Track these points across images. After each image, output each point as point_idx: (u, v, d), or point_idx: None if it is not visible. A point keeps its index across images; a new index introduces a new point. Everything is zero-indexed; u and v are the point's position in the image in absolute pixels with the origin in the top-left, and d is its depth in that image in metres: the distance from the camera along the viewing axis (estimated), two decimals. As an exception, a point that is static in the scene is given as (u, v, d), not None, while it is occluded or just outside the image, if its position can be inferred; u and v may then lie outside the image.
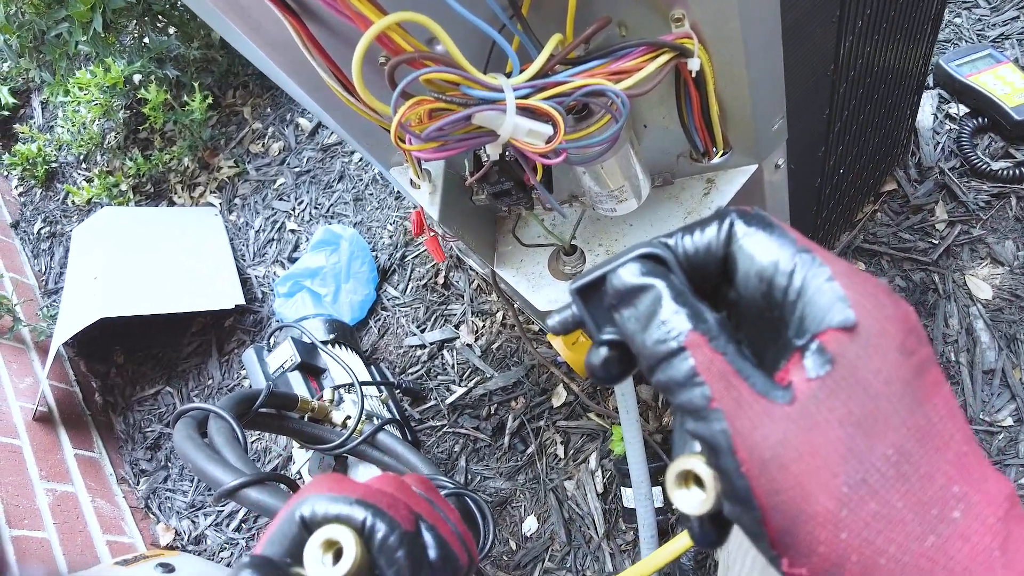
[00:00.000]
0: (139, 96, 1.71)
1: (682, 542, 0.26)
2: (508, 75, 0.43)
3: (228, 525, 1.35)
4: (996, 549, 0.20)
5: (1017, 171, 0.98)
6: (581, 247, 0.70)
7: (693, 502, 0.24)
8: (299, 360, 1.16)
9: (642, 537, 0.88)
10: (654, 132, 0.61)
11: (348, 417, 1.05)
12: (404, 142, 0.40)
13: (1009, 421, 0.88)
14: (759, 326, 0.25)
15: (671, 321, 0.24)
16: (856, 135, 0.79)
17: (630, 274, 0.25)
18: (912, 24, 0.76)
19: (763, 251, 0.24)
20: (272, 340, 1.26)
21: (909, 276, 1.00)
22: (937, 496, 0.21)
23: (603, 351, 0.27)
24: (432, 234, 0.70)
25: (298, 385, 1.13)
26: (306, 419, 1.02)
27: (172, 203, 1.92)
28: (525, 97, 0.42)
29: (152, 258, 1.61)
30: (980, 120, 1.03)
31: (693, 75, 0.48)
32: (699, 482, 0.24)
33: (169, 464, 1.51)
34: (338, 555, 0.28)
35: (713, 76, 0.51)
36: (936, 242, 1.00)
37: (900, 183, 1.05)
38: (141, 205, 1.94)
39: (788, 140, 0.65)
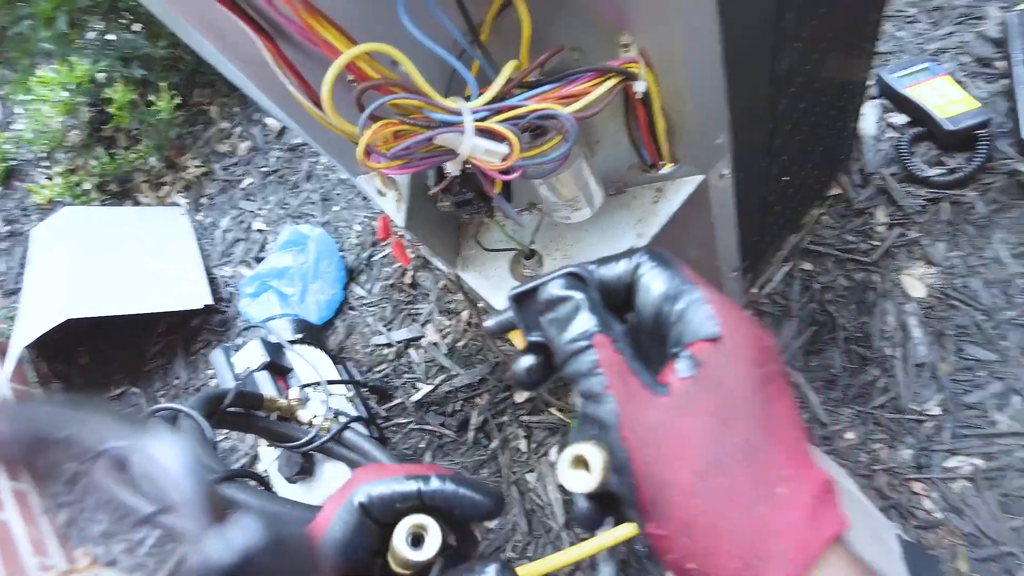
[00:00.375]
0: (104, 96, 1.70)
1: (623, 530, 0.31)
2: (468, 98, 0.46)
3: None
4: (807, 518, 0.27)
5: (950, 177, 1.05)
6: (540, 251, 0.74)
7: (580, 482, 0.29)
8: (267, 360, 1.18)
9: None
10: (607, 146, 0.65)
11: (315, 415, 1.08)
12: (370, 159, 0.43)
13: (936, 411, 0.95)
14: (652, 340, 0.31)
15: (584, 325, 0.30)
16: (800, 145, 0.84)
17: (557, 287, 0.32)
18: (850, 42, 0.81)
19: (659, 283, 0.31)
20: (239, 340, 1.28)
21: (851, 276, 1.06)
22: (771, 477, 0.27)
23: (527, 358, 0.34)
24: (398, 238, 0.73)
25: (265, 384, 1.15)
26: (273, 418, 1.05)
27: (138, 203, 1.91)
28: (483, 119, 0.45)
29: (117, 258, 1.61)
30: (918, 129, 1.10)
31: (639, 96, 0.52)
32: (587, 467, 0.29)
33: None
34: (417, 540, 0.32)
35: (659, 96, 0.56)
36: (876, 244, 1.06)
37: (844, 188, 1.11)
38: (106, 205, 1.92)
39: (733, 151, 0.70)
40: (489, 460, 1.18)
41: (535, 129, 0.51)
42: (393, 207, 0.67)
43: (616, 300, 0.32)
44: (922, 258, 1.04)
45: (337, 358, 1.40)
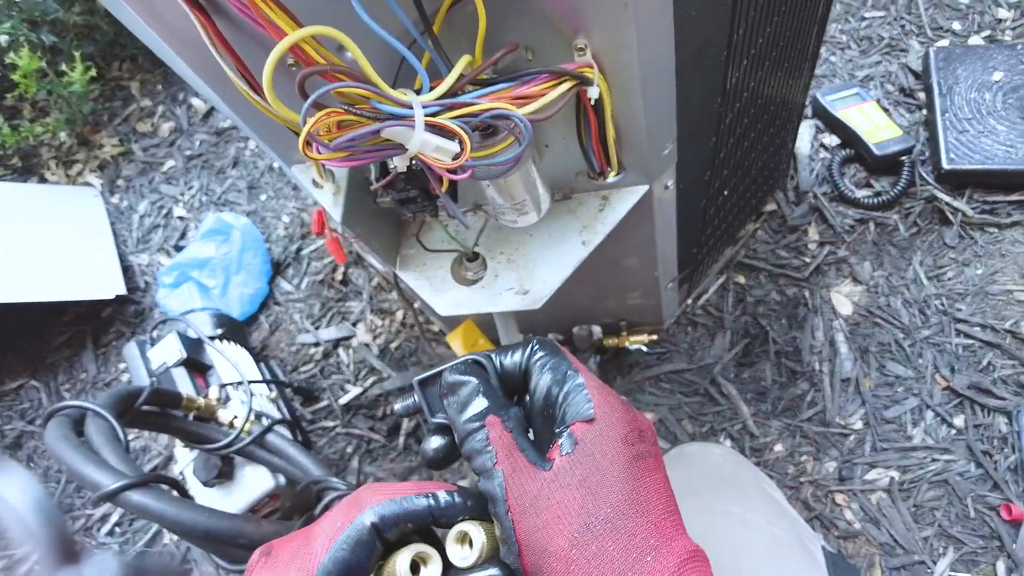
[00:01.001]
0: (8, 61, 1.57)
1: None
2: (418, 91, 0.43)
3: (100, 530, 1.27)
4: None
5: (876, 200, 1.09)
6: (483, 254, 0.72)
7: (462, 556, 0.32)
8: (184, 355, 1.11)
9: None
10: (555, 151, 0.64)
11: (236, 416, 1.02)
12: (312, 150, 0.40)
13: (859, 424, 0.98)
14: (542, 421, 0.35)
15: (479, 406, 0.33)
16: (740, 160, 0.85)
17: (458, 372, 0.35)
18: (792, 61, 0.83)
19: (548, 371, 0.35)
20: (155, 334, 1.20)
21: (783, 290, 1.08)
22: (638, 545, 0.29)
23: (435, 439, 0.36)
24: (333, 234, 0.69)
25: (183, 382, 1.08)
26: (191, 418, 0.98)
27: (44, 180, 1.78)
28: (434, 115, 0.42)
29: (18, 240, 1.48)
30: (848, 151, 1.14)
31: (592, 102, 0.51)
32: (471, 544, 0.32)
33: (32, 465, 1.39)
34: (415, 568, 0.32)
35: (611, 103, 0.54)
36: (808, 260, 1.09)
37: (780, 204, 1.14)
38: (5, 180, 1.77)
39: (678, 163, 0.70)
40: (419, 467, 1.14)
41: (486, 129, 0.49)
42: (330, 200, 0.63)
43: (514, 384, 0.37)
44: (850, 276, 1.07)
45: (260, 356, 1.33)
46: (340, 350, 1.29)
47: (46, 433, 0.70)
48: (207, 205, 1.59)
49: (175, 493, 0.71)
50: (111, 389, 0.91)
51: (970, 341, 0.99)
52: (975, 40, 1.20)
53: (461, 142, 0.43)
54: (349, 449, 1.19)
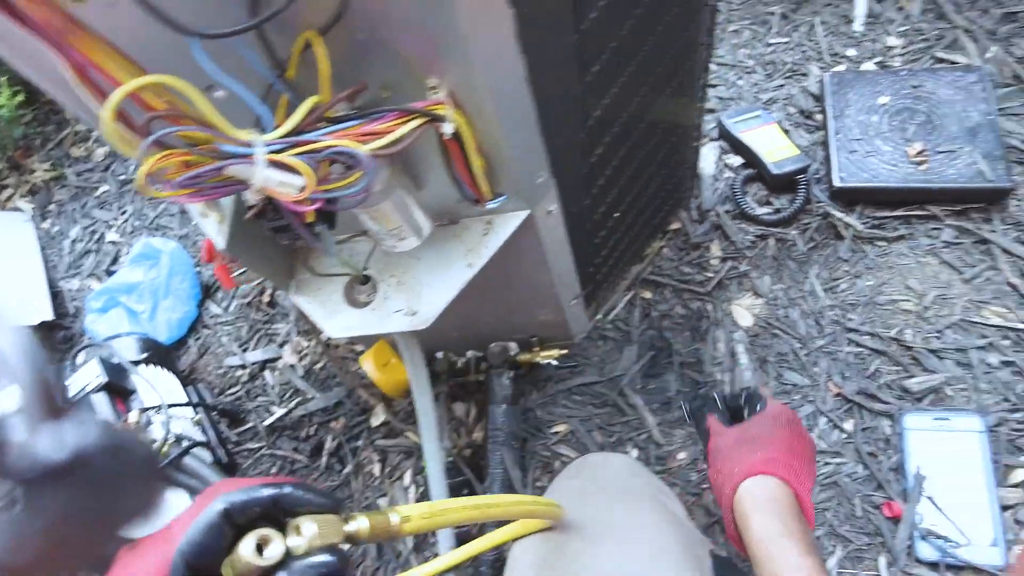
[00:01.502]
0: (-67, 88, 1.56)
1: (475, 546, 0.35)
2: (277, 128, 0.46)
3: None
4: (751, 464, 0.68)
5: (775, 216, 1.15)
6: (374, 277, 0.75)
7: (295, 544, 0.35)
8: (105, 381, 1.12)
9: (440, 549, 0.93)
10: (437, 180, 0.67)
11: (155, 440, 1.03)
12: (153, 187, 0.43)
13: (758, 432, 1.03)
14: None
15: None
16: (628, 184, 0.90)
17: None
18: (676, 88, 0.88)
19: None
20: (79, 359, 1.20)
21: (687, 304, 1.13)
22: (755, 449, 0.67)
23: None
24: (222, 262, 0.72)
25: (103, 407, 1.09)
26: (107, 443, 0.99)
27: (-28, 206, 1.76)
28: (279, 151, 0.46)
29: (-58, 267, 1.47)
30: (751, 171, 1.20)
31: (447, 137, 0.54)
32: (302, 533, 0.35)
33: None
34: (261, 549, 0.34)
35: (473, 137, 0.58)
36: (711, 275, 1.14)
37: (684, 223, 1.19)
38: (-67, 207, 1.75)
39: (559, 190, 0.74)
40: (342, 485, 1.16)
41: (346, 163, 0.52)
42: (215, 229, 0.66)
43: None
44: (750, 290, 1.13)
45: (188, 379, 1.34)
46: (266, 372, 1.30)
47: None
48: (140, 230, 1.60)
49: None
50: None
51: (860, 349, 1.05)
52: (867, 66, 1.28)
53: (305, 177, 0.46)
54: (273, 470, 1.20)
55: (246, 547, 0.34)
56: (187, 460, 1.03)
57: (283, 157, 0.45)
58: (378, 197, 0.58)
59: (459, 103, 0.55)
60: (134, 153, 0.45)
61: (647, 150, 0.90)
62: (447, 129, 0.54)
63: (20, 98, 1.67)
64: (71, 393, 1.11)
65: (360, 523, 0.38)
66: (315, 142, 0.46)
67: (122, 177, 1.70)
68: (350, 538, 0.38)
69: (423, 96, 0.54)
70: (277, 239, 0.62)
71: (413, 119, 0.51)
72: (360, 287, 0.75)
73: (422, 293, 0.72)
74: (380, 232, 0.64)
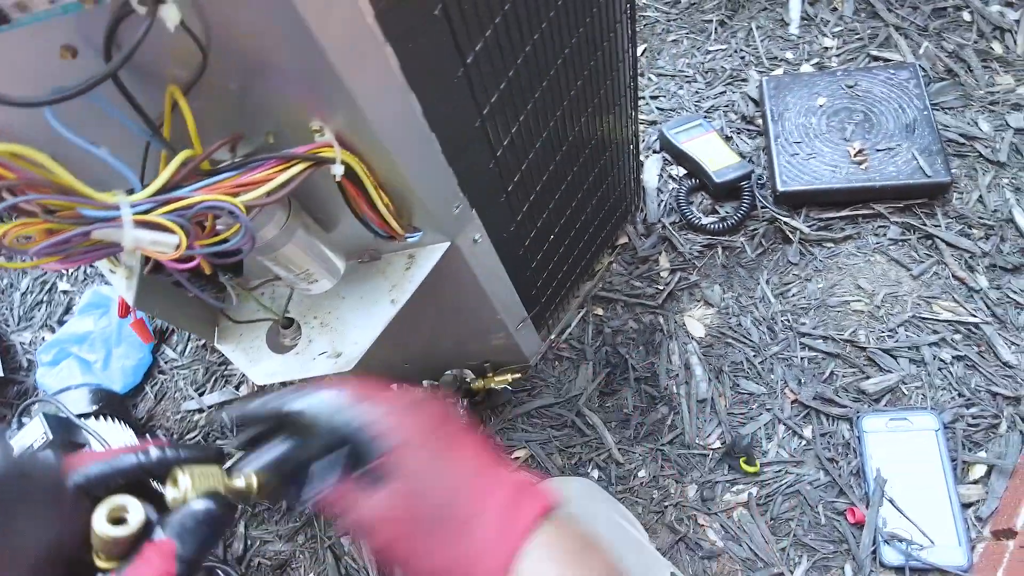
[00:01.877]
0: None
1: None
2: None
3: None
4: (498, 531, 0.34)
5: (721, 224, 1.14)
6: (297, 320, 0.73)
7: (171, 497, 0.34)
8: (50, 438, 1.09)
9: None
10: (347, 218, 0.66)
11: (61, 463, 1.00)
12: (10, 259, 0.41)
13: (717, 444, 1.01)
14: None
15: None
16: (561, 203, 0.89)
17: None
18: (600, 105, 0.87)
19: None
20: (26, 419, 1.17)
21: (640, 319, 1.12)
22: (463, 518, 0.35)
23: None
24: (138, 316, 0.70)
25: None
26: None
27: (-78, 264, 1.73)
28: (147, 211, 0.44)
29: None
30: (694, 181, 1.19)
31: (338, 179, 0.53)
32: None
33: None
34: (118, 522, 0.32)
35: (371, 175, 0.57)
36: (661, 288, 1.13)
37: (631, 237, 1.18)
38: None
39: (482, 217, 0.73)
40: (304, 526, 1.13)
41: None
42: (123, 285, 0.64)
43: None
44: (701, 300, 1.12)
45: (145, 427, 1.31)
46: (224, 414, 1.28)
47: None
48: (92, 277, 1.57)
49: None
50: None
51: (814, 353, 1.04)
52: (806, 68, 1.28)
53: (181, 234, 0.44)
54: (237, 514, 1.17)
55: (97, 521, 0.32)
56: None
57: (152, 217, 0.44)
58: (276, 243, 0.56)
59: (348, 143, 0.54)
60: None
61: (577, 168, 0.89)
62: (337, 171, 0.52)
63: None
64: (15, 452, 1.08)
65: (250, 479, 0.36)
66: (184, 198, 0.45)
67: (74, 224, 1.68)
68: (239, 494, 0.36)
69: (310, 139, 0.52)
70: (185, 291, 0.61)
71: (294, 165, 0.50)
72: (284, 331, 0.73)
73: (346, 333, 0.71)
74: (289, 277, 0.63)
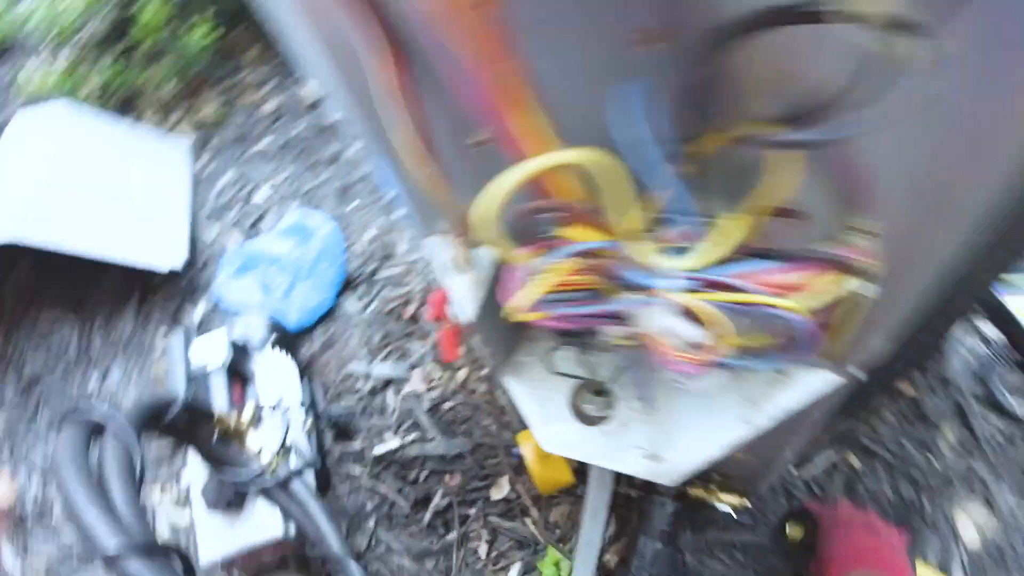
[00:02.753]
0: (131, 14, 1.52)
1: None
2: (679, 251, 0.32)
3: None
4: None
5: None
6: (614, 392, 0.60)
7: None
8: (229, 360, 1.02)
9: None
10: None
11: (263, 448, 0.91)
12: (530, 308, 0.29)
13: None
14: None
15: None
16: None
17: None
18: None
19: None
20: (199, 314, 1.11)
21: (899, 491, 0.93)
22: None
23: None
24: (451, 326, 0.58)
25: (219, 392, 0.98)
26: (216, 436, 0.88)
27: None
28: (689, 290, 0.31)
29: (94, 177, 1.41)
30: (1013, 352, 0.99)
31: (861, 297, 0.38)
32: None
33: (38, 414, 1.31)
34: None
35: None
36: (937, 464, 0.94)
37: (917, 388, 0.99)
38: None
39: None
40: (439, 553, 1.02)
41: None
42: (467, 291, 0.52)
43: None
44: (983, 498, 0.92)
45: (304, 373, 1.23)
46: (389, 391, 1.18)
47: (57, 444, 0.60)
48: (292, 196, 1.51)
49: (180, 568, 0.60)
50: (141, 399, 0.80)
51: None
52: None
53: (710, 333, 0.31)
54: (369, 506, 1.07)
55: None
56: (295, 483, 0.91)
57: (690, 300, 0.31)
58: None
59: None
60: (497, 236, 0.31)
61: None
62: (865, 290, 0.38)
63: (216, 34, 1.62)
64: (194, 365, 1.01)
65: None
66: (734, 289, 0.31)
67: (287, 136, 1.63)
68: None
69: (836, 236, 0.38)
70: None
71: (829, 273, 0.36)
72: (592, 396, 0.60)
73: (675, 435, 0.57)
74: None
